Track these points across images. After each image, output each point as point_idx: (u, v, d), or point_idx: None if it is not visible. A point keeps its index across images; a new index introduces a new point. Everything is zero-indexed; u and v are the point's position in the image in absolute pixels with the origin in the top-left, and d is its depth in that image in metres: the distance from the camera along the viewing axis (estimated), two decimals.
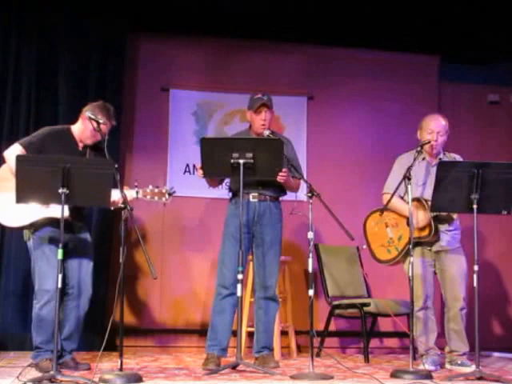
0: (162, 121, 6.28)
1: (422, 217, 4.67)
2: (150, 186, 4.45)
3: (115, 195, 4.14)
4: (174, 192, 4.51)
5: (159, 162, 6.15)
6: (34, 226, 4.35)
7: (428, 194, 4.61)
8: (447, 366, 4.75)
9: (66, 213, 4.11)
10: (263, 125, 4.71)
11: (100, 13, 5.92)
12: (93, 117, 4.36)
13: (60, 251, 3.91)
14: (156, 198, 4.43)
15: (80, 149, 4.51)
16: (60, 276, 3.89)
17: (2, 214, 4.34)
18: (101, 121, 4.32)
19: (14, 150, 4.31)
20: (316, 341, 4.79)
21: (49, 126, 4.60)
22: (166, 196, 4.45)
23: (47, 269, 4.30)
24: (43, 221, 4.32)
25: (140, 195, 4.40)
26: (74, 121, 4.57)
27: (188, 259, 6.17)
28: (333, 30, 6.22)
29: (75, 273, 4.44)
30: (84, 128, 4.48)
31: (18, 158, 3.96)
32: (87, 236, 4.57)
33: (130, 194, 4.37)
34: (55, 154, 4.25)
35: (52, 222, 4.26)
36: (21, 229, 4.40)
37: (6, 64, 5.81)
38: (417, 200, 4.70)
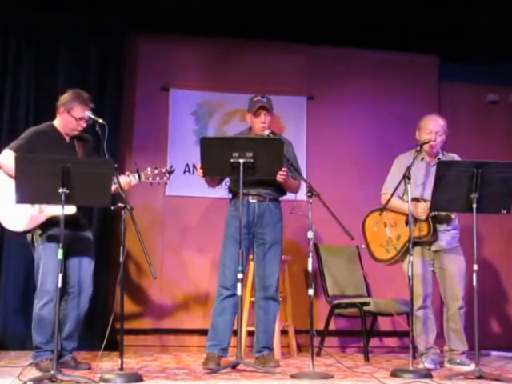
0: (162, 120, 6.28)
1: (421, 209, 4.66)
2: (149, 168, 4.56)
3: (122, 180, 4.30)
4: (174, 170, 4.67)
5: (159, 161, 6.04)
6: (40, 227, 4.36)
7: (427, 194, 4.62)
8: (446, 364, 4.76)
9: (74, 209, 4.14)
10: (262, 128, 4.71)
11: (100, 13, 5.92)
12: (93, 117, 4.38)
13: (60, 251, 3.92)
14: (158, 178, 4.57)
15: (67, 142, 4.52)
16: (60, 276, 3.90)
17: (8, 220, 4.35)
18: (100, 120, 4.34)
19: (6, 156, 4.32)
20: (316, 340, 4.79)
21: (32, 127, 4.64)
22: (167, 175, 4.58)
23: (50, 269, 4.30)
24: (48, 220, 4.32)
25: (142, 179, 4.51)
26: None
27: (188, 259, 6.17)
28: (333, 30, 6.22)
29: (76, 272, 4.46)
30: (66, 122, 4.47)
31: (18, 158, 3.96)
32: (90, 235, 4.60)
33: (132, 178, 4.47)
34: (46, 152, 4.26)
35: (56, 222, 4.21)
36: (27, 232, 4.41)
37: (5, 64, 5.81)
38: (416, 200, 4.70)
